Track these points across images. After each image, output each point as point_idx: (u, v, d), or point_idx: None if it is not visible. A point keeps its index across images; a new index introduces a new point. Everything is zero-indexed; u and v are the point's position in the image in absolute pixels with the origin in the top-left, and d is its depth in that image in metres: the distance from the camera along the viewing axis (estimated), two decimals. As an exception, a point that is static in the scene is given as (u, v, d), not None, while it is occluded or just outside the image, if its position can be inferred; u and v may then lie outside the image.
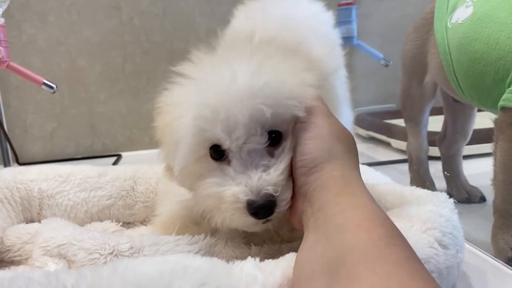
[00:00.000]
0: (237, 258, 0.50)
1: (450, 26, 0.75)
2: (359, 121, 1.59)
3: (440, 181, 0.98)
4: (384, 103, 1.71)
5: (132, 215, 0.79)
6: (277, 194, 0.44)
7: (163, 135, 0.51)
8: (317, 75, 0.50)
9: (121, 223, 0.78)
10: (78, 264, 0.52)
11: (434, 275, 0.45)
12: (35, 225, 0.66)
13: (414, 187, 0.61)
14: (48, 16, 1.41)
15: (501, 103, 0.63)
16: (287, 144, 0.46)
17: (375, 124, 1.53)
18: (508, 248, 0.63)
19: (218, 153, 0.47)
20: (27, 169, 0.78)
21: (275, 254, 0.47)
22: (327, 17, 0.74)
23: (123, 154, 1.48)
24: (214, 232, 0.55)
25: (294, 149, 0.46)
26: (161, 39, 1.48)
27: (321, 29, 0.72)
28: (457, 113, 0.94)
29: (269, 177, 0.44)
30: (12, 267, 0.61)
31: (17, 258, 0.61)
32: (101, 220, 0.77)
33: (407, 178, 1.01)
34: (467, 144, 0.97)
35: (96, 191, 0.77)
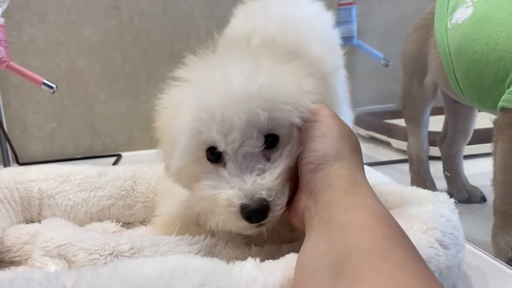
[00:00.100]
0: (237, 258, 0.49)
1: (450, 27, 0.75)
2: (359, 121, 1.59)
3: (440, 181, 0.98)
4: (384, 103, 1.71)
5: (132, 215, 0.79)
6: (271, 198, 0.44)
7: (161, 136, 0.51)
8: (317, 81, 0.50)
9: (121, 223, 0.78)
10: (78, 265, 0.52)
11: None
12: (35, 225, 0.66)
13: (414, 187, 0.61)
14: (48, 16, 1.41)
15: (500, 103, 0.63)
16: (285, 148, 0.46)
17: (376, 124, 1.53)
18: (508, 248, 0.63)
19: (214, 155, 0.47)
20: (27, 169, 0.78)
21: (276, 255, 0.47)
22: (327, 17, 0.75)
23: (123, 154, 1.48)
24: (214, 232, 0.55)
25: (302, 146, 0.46)
26: (161, 39, 1.48)
27: (321, 29, 0.72)
28: (457, 113, 0.94)
29: (263, 181, 0.44)
30: (12, 267, 0.61)
31: (17, 258, 0.61)
32: (101, 220, 0.77)
33: (408, 178, 1.01)
34: (467, 144, 0.97)
35: (96, 191, 0.77)
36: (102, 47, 1.45)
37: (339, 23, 1.35)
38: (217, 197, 0.45)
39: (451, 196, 0.56)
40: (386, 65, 1.42)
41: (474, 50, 0.67)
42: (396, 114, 1.46)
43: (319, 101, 0.49)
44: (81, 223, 0.75)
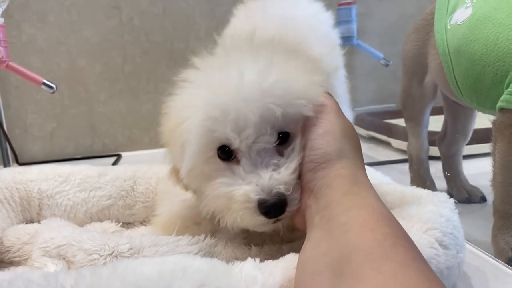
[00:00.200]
0: (237, 258, 0.49)
1: (449, 27, 0.74)
2: (359, 121, 1.59)
3: (440, 181, 0.98)
4: (384, 102, 1.71)
5: (132, 215, 0.79)
6: (289, 192, 0.44)
7: (170, 138, 0.51)
8: (323, 76, 0.50)
9: (120, 224, 0.78)
10: (78, 265, 0.51)
11: (434, 275, 0.45)
12: (35, 225, 0.66)
13: (414, 187, 0.61)
14: (48, 16, 1.41)
15: (499, 104, 0.63)
16: (297, 143, 0.46)
17: (375, 124, 1.53)
18: (508, 248, 0.63)
19: (226, 153, 0.47)
20: (26, 169, 0.78)
21: (275, 255, 0.47)
22: (327, 17, 0.75)
23: (123, 154, 1.48)
24: (214, 232, 0.55)
25: (303, 145, 0.46)
26: (161, 39, 1.48)
27: (320, 29, 0.72)
28: (457, 113, 0.94)
29: (280, 176, 0.44)
30: (12, 268, 0.61)
31: (17, 258, 0.61)
32: (100, 220, 0.77)
33: (408, 178, 1.01)
34: (467, 144, 0.97)
35: (95, 191, 0.77)
36: (102, 47, 1.45)
37: (339, 23, 1.35)
38: (233, 194, 0.45)
39: (451, 196, 0.56)
40: (386, 65, 1.41)
41: (473, 50, 0.67)
42: (396, 114, 1.46)
43: (329, 94, 0.49)
44: (81, 223, 0.75)
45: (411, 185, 0.67)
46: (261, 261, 0.42)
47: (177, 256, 0.40)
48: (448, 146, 0.97)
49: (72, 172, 0.78)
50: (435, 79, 0.85)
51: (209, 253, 0.51)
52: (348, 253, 0.34)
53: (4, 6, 1.11)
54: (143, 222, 0.80)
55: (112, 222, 0.77)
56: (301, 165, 0.46)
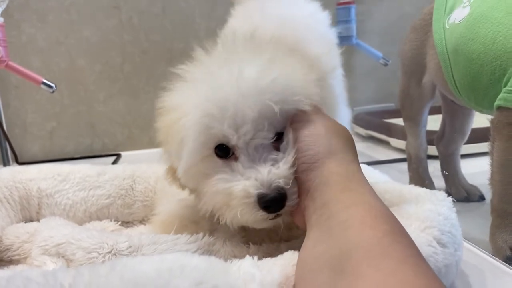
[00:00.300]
0: (235, 257, 0.50)
1: (447, 27, 0.75)
2: (358, 120, 1.59)
3: (439, 180, 0.98)
4: (383, 102, 1.71)
5: (131, 214, 0.79)
6: (288, 186, 0.44)
7: (166, 135, 0.51)
8: (318, 75, 0.50)
9: (120, 222, 0.78)
10: (77, 263, 0.52)
11: (432, 273, 0.45)
12: (34, 224, 0.66)
13: (412, 186, 0.61)
14: (48, 16, 1.41)
15: (497, 102, 0.63)
16: (289, 138, 0.46)
17: (374, 123, 1.53)
18: (506, 246, 0.63)
19: (223, 150, 0.47)
20: (26, 168, 0.78)
21: (273, 253, 0.47)
22: (324, 16, 0.75)
23: (123, 153, 1.48)
24: (212, 231, 0.55)
25: (295, 144, 0.46)
26: (161, 38, 1.48)
27: (318, 29, 0.72)
28: (455, 112, 0.94)
29: (278, 170, 0.44)
30: (11, 266, 0.61)
31: (16, 257, 0.61)
32: (100, 219, 0.77)
33: (407, 177, 1.01)
34: (466, 143, 0.97)
35: (95, 190, 0.77)
36: (102, 46, 1.45)
37: (338, 22, 1.35)
38: (232, 189, 0.45)
39: (450, 195, 0.56)
40: (386, 65, 1.42)
41: (471, 49, 0.67)
42: (395, 114, 1.46)
43: (317, 99, 0.49)
44: (80, 222, 0.75)
45: (410, 184, 0.67)
46: (259, 259, 0.42)
47: (176, 254, 0.41)
48: (446, 145, 0.97)
49: (71, 171, 0.78)
50: (434, 79, 0.85)
51: (207, 252, 0.51)
52: (347, 250, 0.34)
53: (4, 5, 1.12)
54: (142, 221, 0.80)
55: (111, 221, 0.78)
56: (296, 167, 0.46)
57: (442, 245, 0.48)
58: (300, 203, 0.45)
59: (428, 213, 0.50)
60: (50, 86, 1.13)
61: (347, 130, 0.48)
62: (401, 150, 1.29)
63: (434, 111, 0.97)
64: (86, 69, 1.46)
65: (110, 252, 0.51)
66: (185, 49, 1.48)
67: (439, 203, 0.53)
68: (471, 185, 0.95)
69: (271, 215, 0.45)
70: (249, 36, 0.54)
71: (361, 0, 1.56)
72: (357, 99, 1.66)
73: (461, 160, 0.98)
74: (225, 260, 0.42)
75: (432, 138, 1.00)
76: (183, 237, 0.53)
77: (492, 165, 0.66)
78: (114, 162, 1.36)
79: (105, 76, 1.47)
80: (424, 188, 0.59)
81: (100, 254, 0.51)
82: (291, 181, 0.44)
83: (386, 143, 1.44)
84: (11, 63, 1.11)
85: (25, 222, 0.71)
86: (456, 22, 0.72)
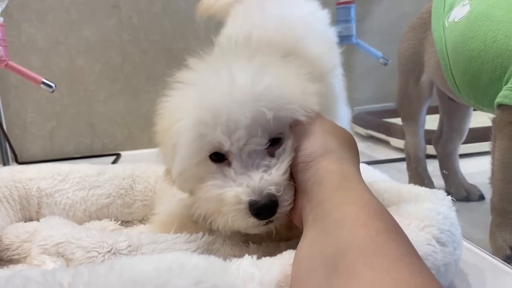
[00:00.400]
0: (235, 256, 0.50)
1: (447, 25, 0.75)
2: (358, 119, 1.59)
3: (439, 180, 0.98)
4: (383, 101, 1.71)
5: (131, 214, 0.79)
6: (280, 193, 0.44)
7: (163, 138, 0.51)
8: (318, 82, 0.50)
9: (119, 222, 0.78)
10: (76, 263, 0.52)
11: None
12: (34, 223, 0.66)
13: (411, 185, 0.61)
14: (47, 16, 1.41)
15: (498, 100, 0.63)
16: (287, 144, 0.46)
17: (374, 122, 1.53)
18: (506, 246, 0.63)
19: (217, 155, 0.47)
20: (25, 168, 0.78)
21: (273, 252, 0.47)
22: (323, 15, 0.75)
23: (122, 153, 1.49)
24: (212, 230, 0.55)
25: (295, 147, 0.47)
26: (160, 38, 1.48)
27: (318, 28, 0.72)
28: (453, 111, 0.94)
29: (270, 177, 0.44)
30: (11, 265, 0.61)
31: (16, 256, 0.61)
32: (99, 218, 0.77)
33: (406, 176, 1.01)
34: (465, 143, 0.97)
35: (95, 190, 0.77)
36: (101, 46, 1.45)
37: (337, 21, 1.35)
38: (224, 196, 0.45)
39: (449, 194, 0.56)
40: (385, 64, 1.41)
41: (471, 48, 0.67)
42: (394, 113, 1.45)
43: (316, 108, 0.49)
44: (80, 222, 0.75)
45: (409, 184, 0.67)
46: (259, 258, 0.42)
47: (175, 253, 0.41)
48: (444, 145, 0.97)
49: (71, 170, 0.78)
50: (433, 77, 0.85)
51: (207, 251, 0.51)
52: (342, 249, 0.34)
53: (4, 5, 1.12)
54: (141, 221, 0.80)
55: (111, 220, 0.78)
56: (293, 167, 0.46)
57: (442, 244, 0.48)
58: (297, 203, 0.45)
59: (427, 212, 0.50)
60: (50, 86, 1.13)
61: (347, 131, 0.49)
62: (400, 150, 1.28)
63: (432, 110, 0.97)
64: (86, 69, 1.46)
65: (109, 251, 0.51)
66: (185, 49, 1.48)
67: (438, 202, 0.53)
68: (471, 185, 0.95)
69: (263, 222, 0.45)
70: (244, 41, 0.54)
71: (361, 0, 1.56)
72: (357, 98, 1.66)
73: (461, 159, 0.98)
74: (225, 259, 0.42)
75: (430, 137, 1.00)
76: (183, 236, 0.53)
77: (493, 164, 0.66)
78: (114, 162, 1.36)
79: (105, 76, 1.47)
80: (423, 187, 0.59)
81: (99, 253, 0.51)
82: (282, 188, 0.44)
83: (386, 143, 1.44)
84: (11, 63, 1.11)
85: (25, 222, 0.71)
86: (456, 20, 0.72)
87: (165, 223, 0.61)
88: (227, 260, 0.42)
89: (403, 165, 1.03)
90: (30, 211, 0.74)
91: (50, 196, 0.75)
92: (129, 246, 0.51)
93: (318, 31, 0.71)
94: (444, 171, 0.98)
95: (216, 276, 0.38)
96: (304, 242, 0.40)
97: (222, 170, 0.47)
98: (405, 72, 0.93)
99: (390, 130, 1.41)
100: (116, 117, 1.50)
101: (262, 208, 0.44)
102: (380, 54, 1.41)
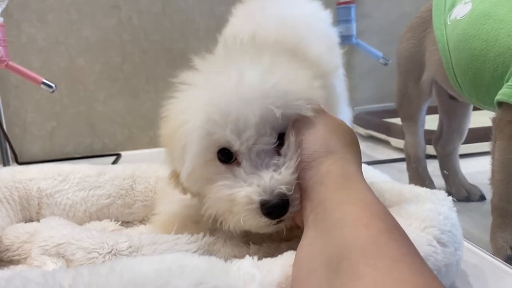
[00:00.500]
0: (235, 257, 0.50)
1: (449, 23, 0.75)
2: (359, 120, 1.59)
3: (439, 180, 0.98)
4: (383, 101, 1.71)
5: (131, 214, 0.79)
6: (291, 192, 0.44)
7: (169, 141, 0.51)
8: (320, 76, 0.50)
9: (120, 222, 0.78)
10: (77, 263, 0.52)
11: (432, 273, 0.45)
12: (34, 224, 0.66)
13: (412, 185, 0.61)
14: (47, 16, 1.41)
15: (497, 97, 0.63)
16: (291, 141, 0.46)
17: (374, 122, 1.53)
18: (507, 246, 0.63)
19: (226, 156, 0.47)
20: (26, 168, 0.78)
21: (274, 253, 0.47)
22: (325, 15, 0.75)
23: (123, 153, 1.48)
24: (213, 231, 0.55)
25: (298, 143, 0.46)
26: (160, 38, 1.48)
27: (320, 28, 0.72)
28: (452, 111, 0.94)
29: (281, 176, 0.44)
30: (11, 266, 0.61)
31: (16, 257, 0.61)
32: (100, 219, 0.77)
33: (407, 176, 1.01)
34: (466, 143, 0.97)
35: (95, 190, 0.77)
36: (101, 46, 1.45)
37: (338, 22, 1.35)
38: (235, 196, 0.45)
39: (450, 195, 0.56)
40: (385, 64, 1.41)
41: (473, 46, 0.67)
42: (395, 113, 1.45)
43: (321, 101, 0.49)
44: (80, 222, 0.75)
45: (410, 184, 0.67)
46: (260, 259, 0.42)
47: (175, 254, 0.41)
48: (444, 145, 0.97)
49: (71, 171, 0.78)
50: (434, 75, 0.84)
51: (207, 252, 0.51)
52: (343, 249, 0.34)
53: (4, 5, 1.12)
54: (142, 221, 0.80)
55: (111, 221, 0.77)
56: None
57: (442, 244, 0.48)
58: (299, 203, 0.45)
59: (428, 213, 0.50)
60: (50, 86, 1.13)
61: (350, 129, 0.48)
62: (401, 150, 1.28)
63: (431, 111, 0.97)
64: (86, 69, 1.46)
65: (110, 252, 0.51)
66: (185, 48, 1.47)
67: (439, 203, 0.53)
68: (472, 185, 0.95)
69: (274, 221, 0.45)
70: (250, 39, 0.54)
71: (361, 0, 1.56)
72: (357, 98, 1.66)
73: (461, 160, 0.98)
74: (225, 260, 0.42)
75: (430, 137, 1.00)
76: (184, 237, 0.53)
77: (493, 164, 0.66)
78: (114, 162, 1.36)
79: (105, 76, 1.47)
80: (424, 188, 0.59)
81: (100, 254, 0.51)
82: (293, 187, 0.44)
83: (386, 143, 1.44)
84: (11, 63, 1.11)
85: (25, 222, 0.71)
86: (458, 18, 0.71)
87: (165, 223, 0.61)
88: (228, 261, 0.42)
89: (403, 165, 1.03)
90: (30, 211, 0.74)
91: (51, 196, 0.75)
92: (130, 247, 0.51)
93: (320, 31, 0.71)
94: (444, 171, 0.98)
95: (216, 277, 0.38)
96: (304, 242, 0.40)
97: (231, 171, 0.47)
98: (404, 72, 0.93)
99: (390, 130, 1.41)
100: (116, 117, 1.50)
101: (274, 207, 0.44)
102: (380, 54, 1.41)
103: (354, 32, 1.37)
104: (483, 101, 0.71)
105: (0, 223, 0.64)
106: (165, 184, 0.58)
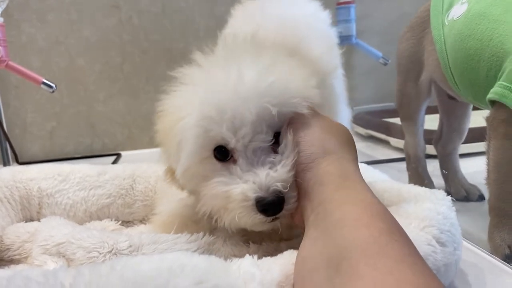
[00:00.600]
0: (235, 256, 0.50)
1: (446, 23, 0.75)
2: (358, 119, 1.59)
3: (439, 180, 0.98)
4: (383, 101, 1.71)
5: (131, 214, 0.80)
6: (286, 190, 0.44)
7: (165, 137, 0.51)
8: (319, 76, 0.51)
9: (120, 222, 0.78)
10: (77, 263, 0.52)
11: (431, 272, 0.45)
12: (35, 224, 0.66)
13: (411, 185, 0.61)
14: (47, 16, 1.41)
15: (489, 96, 0.63)
16: (288, 140, 0.46)
17: (374, 122, 1.53)
18: (504, 245, 0.63)
19: (222, 153, 0.47)
20: (26, 168, 0.78)
21: (274, 252, 0.47)
22: (325, 15, 0.75)
23: (123, 153, 1.49)
24: (213, 230, 0.55)
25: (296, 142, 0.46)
26: (160, 38, 1.48)
27: (319, 28, 0.72)
28: (452, 111, 0.94)
29: (276, 173, 0.44)
30: (12, 266, 0.61)
31: (17, 257, 0.61)
32: (100, 219, 0.77)
33: (406, 176, 1.01)
34: (465, 142, 0.97)
35: (95, 190, 0.77)
36: (101, 46, 1.46)
37: (338, 22, 1.35)
38: (231, 193, 0.45)
39: (449, 194, 0.56)
40: (385, 64, 1.42)
41: (468, 46, 0.67)
42: (394, 113, 1.45)
43: (317, 101, 0.49)
44: (81, 222, 0.75)
45: (409, 184, 0.67)
46: (259, 258, 0.42)
47: (176, 254, 0.41)
48: (444, 145, 0.97)
49: (72, 171, 0.78)
50: (433, 75, 0.85)
51: (207, 251, 0.51)
52: (344, 249, 0.34)
53: (4, 5, 1.12)
54: (142, 221, 0.80)
55: (111, 220, 0.78)
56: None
57: (442, 244, 0.48)
58: (298, 204, 0.45)
59: (427, 212, 0.50)
60: (50, 86, 1.13)
61: (346, 129, 0.48)
62: (400, 150, 1.28)
63: (430, 110, 0.97)
64: (86, 69, 1.46)
65: (110, 251, 0.51)
66: (185, 48, 1.48)
67: (438, 202, 0.53)
68: (471, 185, 0.95)
69: (269, 218, 0.45)
70: (249, 38, 0.54)
71: (361, 0, 1.56)
72: (356, 98, 1.66)
73: (461, 159, 0.98)
74: (225, 259, 0.42)
75: (430, 137, 1.00)
76: (184, 236, 0.53)
77: (488, 164, 0.66)
78: (114, 162, 1.36)
79: (105, 76, 1.47)
80: (423, 187, 0.59)
81: (100, 253, 0.51)
82: (289, 184, 0.44)
83: (386, 143, 1.44)
84: (11, 63, 1.11)
85: (26, 222, 0.71)
86: (455, 18, 0.72)
87: (165, 223, 0.61)
88: (228, 260, 0.42)
89: (403, 165, 1.03)
90: (31, 211, 0.75)
91: (51, 196, 0.75)
92: (130, 246, 0.51)
93: (320, 31, 0.71)
94: (444, 171, 0.98)
95: (217, 276, 0.38)
96: (306, 242, 0.40)
97: (227, 168, 0.47)
98: (404, 72, 0.93)
99: (390, 130, 1.41)
100: (116, 117, 1.50)
101: (269, 204, 0.44)
102: (380, 54, 1.41)
103: (354, 32, 1.38)
104: (480, 101, 0.71)
105: (1, 222, 0.65)
106: (165, 183, 0.59)
